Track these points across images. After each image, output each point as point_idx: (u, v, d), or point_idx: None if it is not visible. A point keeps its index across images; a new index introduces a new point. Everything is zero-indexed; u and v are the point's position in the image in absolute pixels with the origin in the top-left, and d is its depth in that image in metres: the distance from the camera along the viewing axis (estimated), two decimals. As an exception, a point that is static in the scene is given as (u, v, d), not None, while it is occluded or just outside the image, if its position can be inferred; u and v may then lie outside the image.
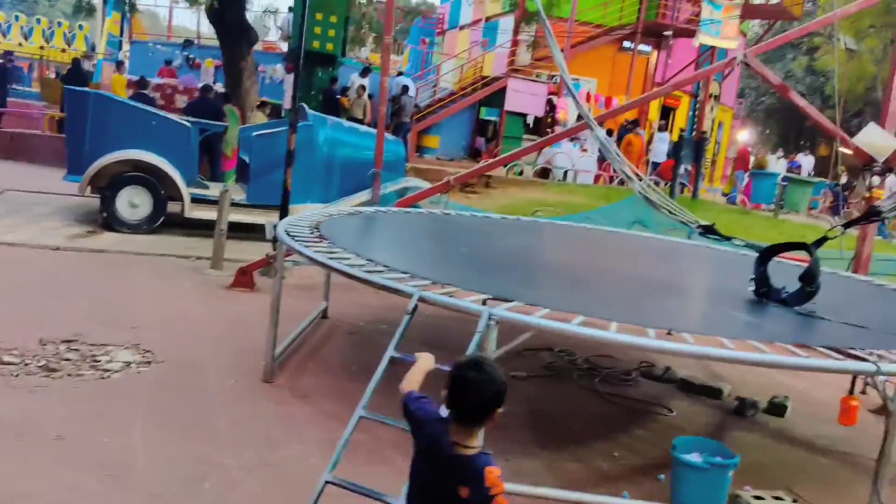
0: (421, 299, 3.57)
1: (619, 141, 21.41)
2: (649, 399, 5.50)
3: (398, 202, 7.01)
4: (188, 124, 9.05)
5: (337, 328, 6.19)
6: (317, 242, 4.68)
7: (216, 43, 21.82)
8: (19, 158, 13.62)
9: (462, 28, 26.82)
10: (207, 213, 9.00)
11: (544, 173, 19.73)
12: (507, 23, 23.25)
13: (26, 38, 24.03)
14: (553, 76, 22.46)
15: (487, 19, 24.16)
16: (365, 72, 19.37)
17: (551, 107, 22.36)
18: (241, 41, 14.50)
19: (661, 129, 21.16)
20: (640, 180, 5.81)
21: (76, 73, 16.72)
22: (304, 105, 10.17)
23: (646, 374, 6.09)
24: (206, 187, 9.29)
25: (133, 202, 8.79)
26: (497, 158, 9.68)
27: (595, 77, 23.82)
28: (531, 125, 22.33)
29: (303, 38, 7.52)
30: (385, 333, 6.19)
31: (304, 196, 9.08)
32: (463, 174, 7.11)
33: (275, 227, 7.80)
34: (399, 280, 3.86)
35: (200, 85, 14.90)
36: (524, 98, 21.40)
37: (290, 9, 18.98)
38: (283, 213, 7.59)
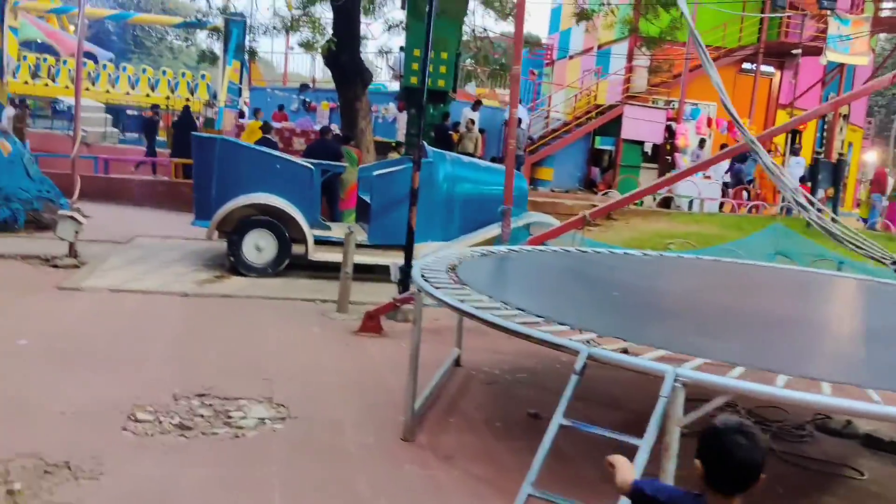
0: (591, 357, 3.12)
1: (732, 169, 20.37)
2: (832, 459, 4.81)
3: (530, 240, 6.61)
4: (311, 167, 8.98)
5: (472, 378, 5.79)
6: (458, 288, 4.32)
7: (331, 86, 22.34)
8: (145, 204, 14.06)
9: (572, 57, 26.40)
10: (331, 255, 8.87)
11: (665, 202, 18.90)
12: (619, 49, 22.67)
13: (153, 90, 25.25)
14: (671, 102, 21.67)
15: (600, 47, 23.65)
16: (476, 105, 19.22)
17: (670, 133, 21.55)
18: (356, 82, 14.58)
19: (795, 152, 19.92)
20: (817, 209, 5.18)
21: (187, 120, 17.27)
22: (425, 142, 9.98)
23: (822, 429, 5.38)
24: (329, 228, 9.18)
25: (259, 245, 8.75)
26: (639, 190, 9.16)
27: (714, 101, 22.84)
28: (649, 153, 21.58)
29: (425, 77, 7.25)
30: (525, 384, 5.75)
31: (424, 234, 8.82)
32: (600, 208, 6.63)
33: (400, 269, 7.60)
34: (559, 333, 3.43)
35: (318, 127, 15.05)
36: (642, 125, 20.70)
37: (402, 48, 19.08)
38: (409, 254, 7.32)
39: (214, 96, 24.65)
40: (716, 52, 22.21)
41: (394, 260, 8.54)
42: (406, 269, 7.24)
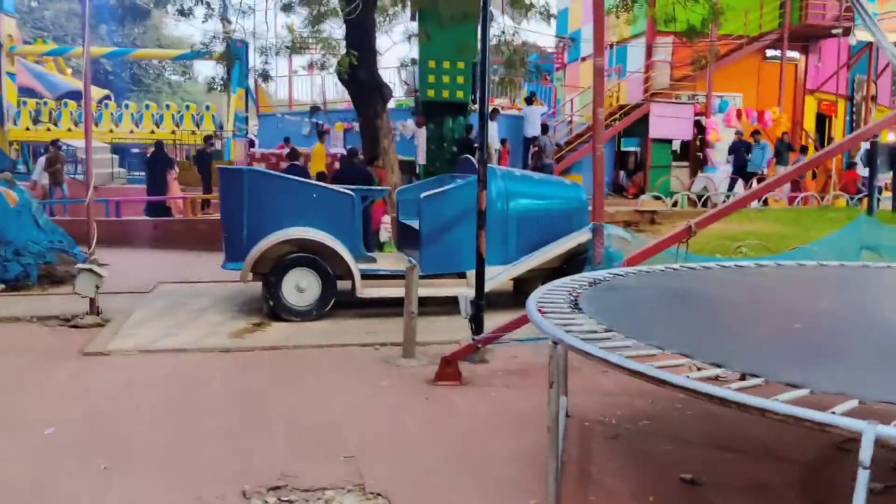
0: (880, 442, 2.16)
1: (778, 156, 19.44)
2: None
3: (628, 259, 5.66)
4: (351, 194, 8.06)
5: (588, 431, 4.83)
6: (603, 336, 3.37)
7: (342, 107, 21.49)
8: (161, 246, 13.15)
9: (584, 59, 25.52)
10: (381, 290, 7.94)
11: (692, 201, 17.96)
12: (637, 44, 21.80)
13: (157, 126, 24.45)
14: (695, 96, 20.75)
15: (614, 44, 22.75)
16: (493, 114, 18.33)
17: (699, 129, 20.63)
18: (376, 99, 13.69)
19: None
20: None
21: (159, 156, 16.25)
22: (470, 157, 9.06)
23: None
24: (375, 260, 8.25)
25: (300, 286, 7.81)
26: (750, 192, 8.33)
27: (740, 91, 21.95)
28: (678, 151, 20.66)
29: (485, 91, 6.31)
30: (655, 436, 4.78)
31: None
32: (706, 216, 5.68)
33: (471, 302, 6.67)
34: (797, 401, 2.47)
35: (346, 149, 14.14)
36: (669, 123, 19.81)
37: (414, 61, 18.26)
38: (480, 286, 6.38)
39: (221, 127, 23.85)
40: (738, 40, 21.35)
41: (456, 290, 7.62)
42: (479, 303, 6.31)
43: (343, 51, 12.66)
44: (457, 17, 13.07)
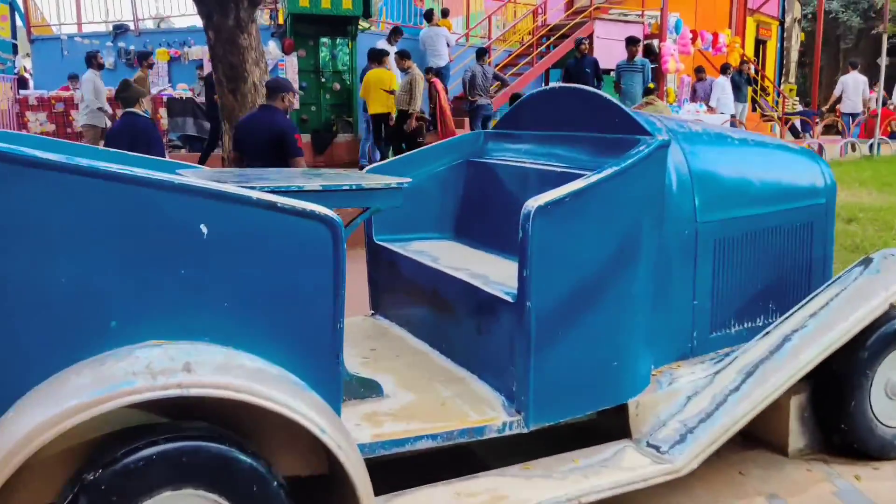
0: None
1: (736, 91, 15.44)
2: None
3: None
4: (331, 217, 2.41)
5: None
6: None
7: (169, 26, 14.99)
8: None
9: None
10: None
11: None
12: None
13: None
14: (643, 13, 16.11)
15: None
16: (394, 35, 12.83)
17: (648, 54, 15.99)
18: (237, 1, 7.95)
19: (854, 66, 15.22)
20: None
21: None
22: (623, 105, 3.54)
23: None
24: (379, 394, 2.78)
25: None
26: None
27: (676, 10, 17.58)
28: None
29: None
30: None
31: (635, 348, 2.84)
32: None
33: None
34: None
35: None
36: (616, 48, 15.05)
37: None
38: None
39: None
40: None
41: None
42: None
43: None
44: None
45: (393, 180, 2.75)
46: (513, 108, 4.02)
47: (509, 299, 2.74)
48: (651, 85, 11.06)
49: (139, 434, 2.06)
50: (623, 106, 3.23)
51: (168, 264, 2.15)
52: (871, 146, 13.51)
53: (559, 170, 3.34)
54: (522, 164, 3.63)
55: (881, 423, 3.30)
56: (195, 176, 2.65)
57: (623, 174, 2.72)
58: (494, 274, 3.14)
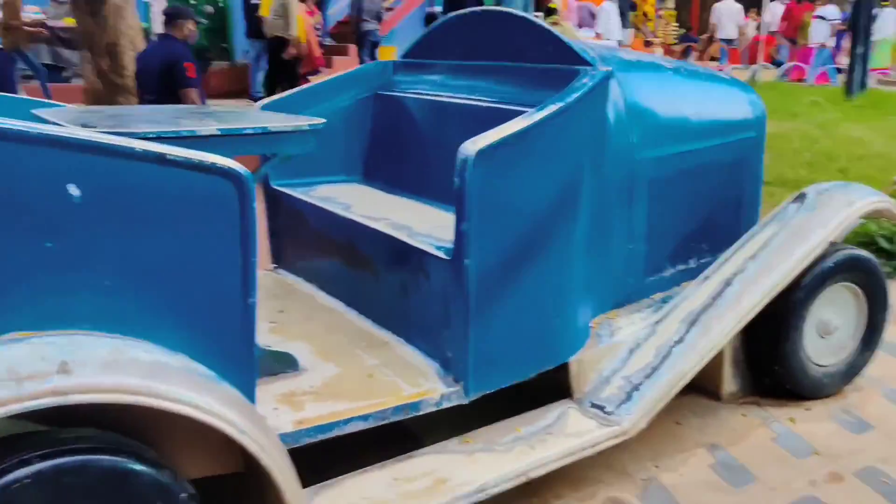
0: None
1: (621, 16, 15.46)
2: None
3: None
4: (238, 171, 2.00)
5: None
6: None
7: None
8: None
9: None
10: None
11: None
12: None
13: None
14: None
15: None
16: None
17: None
18: None
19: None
20: None
21: None
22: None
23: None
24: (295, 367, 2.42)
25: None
26: None
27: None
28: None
29: None
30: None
31: (576, 296, 2.62)
32: None
33: None
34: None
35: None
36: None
37: None
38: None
39: None
40: None
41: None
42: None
43: None
44: None
45: (304, 121, 2.33)
46: (425, 33, 3.60)
47: (443, 255, 2.40)
48: (553, 4, 10.63)
49: (5, 450, 1.63)
50: (556, 32, 2.89)
51: (28, 236, 1.68)
52: (752, 74, 13.79)
53: (485, 104, 2.99)
54: (440, 99, 3.25)
55: (813, 362, 3.22)
56: (56, 118, 2.14)
57: (568, 110, 2.40)
58: (417, 224, 2.78)
